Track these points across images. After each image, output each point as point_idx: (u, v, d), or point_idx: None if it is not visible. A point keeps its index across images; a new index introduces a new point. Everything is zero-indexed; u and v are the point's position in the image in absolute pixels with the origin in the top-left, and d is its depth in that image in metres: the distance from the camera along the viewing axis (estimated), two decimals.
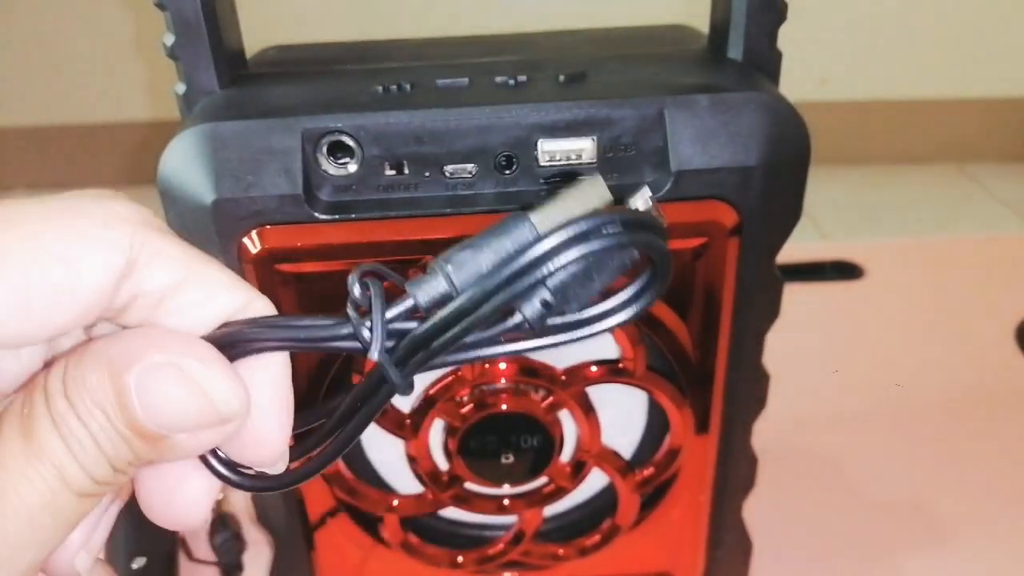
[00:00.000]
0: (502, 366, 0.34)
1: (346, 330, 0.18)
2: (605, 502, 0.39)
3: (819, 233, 1.21)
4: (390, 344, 0.18)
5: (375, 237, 0.30)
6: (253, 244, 0.30)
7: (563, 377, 0.34)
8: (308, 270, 0.31)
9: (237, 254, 0.30)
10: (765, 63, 0.32)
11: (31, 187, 1.42)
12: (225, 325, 0.19)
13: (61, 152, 1.44)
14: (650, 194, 0.19)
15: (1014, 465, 0.55)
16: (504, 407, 0.34)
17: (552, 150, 0.30)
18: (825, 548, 0.49)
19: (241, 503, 0.49)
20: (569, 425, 0.36)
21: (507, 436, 0.35)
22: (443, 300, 0.18)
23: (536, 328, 0.18)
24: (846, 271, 0.77)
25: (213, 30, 0.30)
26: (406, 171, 0.30)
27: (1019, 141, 1.45)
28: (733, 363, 0.34)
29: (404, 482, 0.38)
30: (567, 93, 0.30)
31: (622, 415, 0.37)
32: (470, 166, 0.30)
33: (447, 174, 0.30)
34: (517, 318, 0.18)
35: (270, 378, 0.19)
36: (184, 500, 0.20)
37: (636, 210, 0.19)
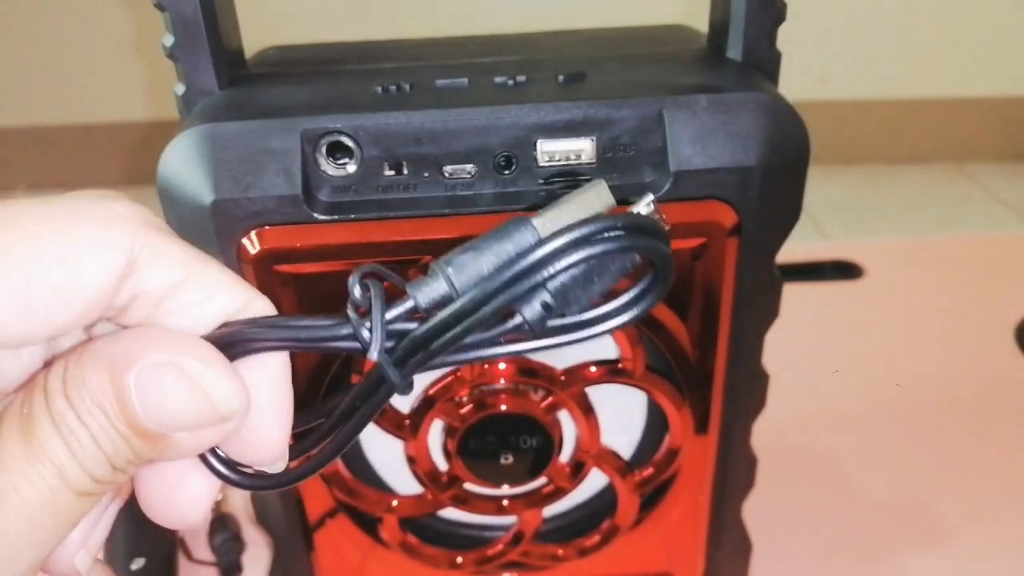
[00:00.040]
0: (501, 366, 0.34)
1: (346, 330, 0.18)
2: (604, 502, 0.39)
3: (818, 233, 1.21)
4: (389, 344, 0.18)
5: (374, 237, 0.30)
6: (252, 245, 0.30)
7: (562, 377, 0.34)
8: (307, 271, 0.31)
9: (236, 255, 0.30)
10: (764, 63, 0.32)
11: (31, 187, 1.42)
12: (225, 325, 0.19)
13: (61, 152, 1.44)
14: (653, 198, 0.19)
15: (1014, 465, 0.55)
16: (503, 407, 0.34)
17: (551, 150, 0.30)
18: (825, 548, 0.49)
19: (240, 503, 0.49)
20: (568, 425, 0.36)
21: (506, 436, 0.35)
22: (443, 301, 0.18)
23: (536, 330, 0.18)
24: (845, 271, 0.77)
25: (212, 31, 0.30)
26: (405, 171, 0.30)
27: (1019, 141, 1.45)
28: (732, 363, 0.34)
29: (403, 483, 0.38)
30: (566, 93, 0.30)
31: (621, 415, 0.37)
32: (469, 166, 0.30)
33: (446, 174, 0.30)
34: (517, 320, 0.18)
35: (270, 378, 0.19)
36: (184, 499, 0.20)
37: (638, 214, 0.19)
